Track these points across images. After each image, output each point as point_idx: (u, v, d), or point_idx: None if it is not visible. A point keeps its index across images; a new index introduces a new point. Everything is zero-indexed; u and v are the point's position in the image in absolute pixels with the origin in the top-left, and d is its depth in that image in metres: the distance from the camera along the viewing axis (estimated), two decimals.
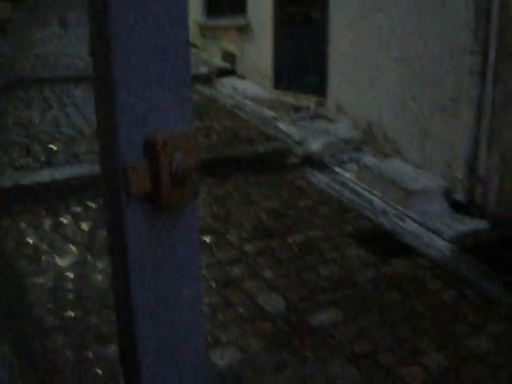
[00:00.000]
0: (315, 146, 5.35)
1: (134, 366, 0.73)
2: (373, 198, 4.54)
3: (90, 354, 2.69)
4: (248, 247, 3.69)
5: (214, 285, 3.23)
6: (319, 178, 4.89)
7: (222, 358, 2.64)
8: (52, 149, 5.02)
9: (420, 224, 4.14)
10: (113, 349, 2.71)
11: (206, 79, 8.09)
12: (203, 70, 8.52)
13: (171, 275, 0.74)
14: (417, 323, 2.99)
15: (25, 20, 13.81)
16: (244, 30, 7.87)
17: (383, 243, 3.86)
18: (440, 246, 3.84)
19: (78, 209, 4.13)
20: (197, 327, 0.79)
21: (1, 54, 9.48)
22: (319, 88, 6.13)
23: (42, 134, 5.40)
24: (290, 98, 6.62)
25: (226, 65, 8.54)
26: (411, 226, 4.11)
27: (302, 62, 6.51)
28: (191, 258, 0.76)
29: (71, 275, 3.33)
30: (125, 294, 0.70)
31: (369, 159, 5.15)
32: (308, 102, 6.30)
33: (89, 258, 3.52)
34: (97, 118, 0.67)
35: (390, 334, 2.89)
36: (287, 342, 2.79)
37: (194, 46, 10.18)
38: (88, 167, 4.58)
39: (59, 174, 4.45)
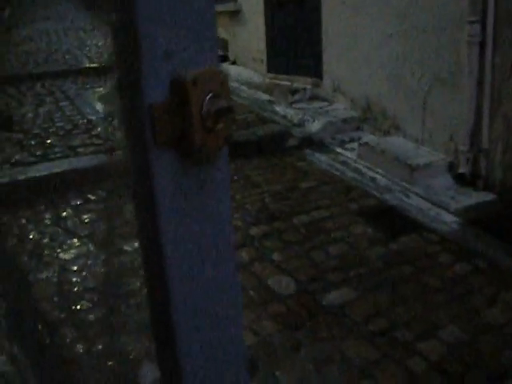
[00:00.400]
0: (314, 127, 5.28)
1: (167, 328, 0.67)
2: (376, 175, 4.48)
3: (101, 347, 2.64)
4: (254, 230, 3.63)
5: None
6: (320, 159, 4.83)
7: None
8: (48, 143, 4.93)
9: (425, 199, 4.09)
10: (123, 340, 2.65)
11: None
12: None
13: (203, 230, 0.67)
14: (431, 297, 2.94)
15: (10, 19, 13.65)
16: (235, 16, 7.76)
17: (390, 220, 3.80)
18: (447, 220, 3.78)
19: (78, 201, 4.06)
20: (233, 282, 0.73)
21: None
22: (314, 69, 6.05)
23: (37, 129, 5.32)
24: (285, 81, 6.54)
25: (219, 52, 8.43)
26: (417, 201, 4.06)
27: (295, 44, 6.42)
28: (224, 211, 0.69)
29: (75, 268, 3.27)
30: (154, 253, 0.63)
31: (369, 137, 5.09)
32: (304, 83, 6.21)
33: (92, 249, 3.46)
34: (116, 59, 0.60)
35: (405, 310, 2.84)
36: (301, 324, 2.74)
37: None
38: (86, 159, 4.51)
39: (57, 167, 4.38)
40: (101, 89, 6.76)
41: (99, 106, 5.99)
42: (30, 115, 5.78)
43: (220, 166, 0.66)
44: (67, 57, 8.69)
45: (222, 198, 0.68)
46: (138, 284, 3.01)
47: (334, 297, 2.94)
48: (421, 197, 4.13)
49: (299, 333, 2.68)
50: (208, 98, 0.61)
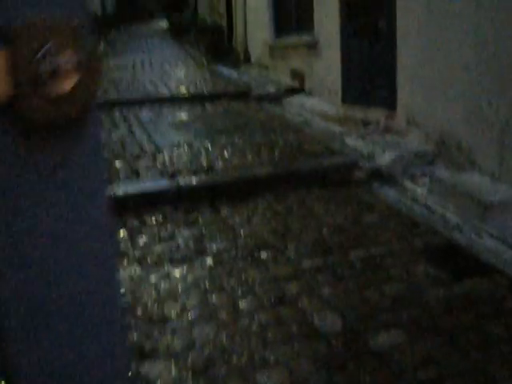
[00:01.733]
0: (384, 159, 5.05)
1: None
2: (446, 212, 4.19)
3: None
4: (307, 263, 3.44)
5: (265, 302, 3.00)
6: (387, 193, 4.59)
7: (269, 380, 2.40)
8: (115, 167, 4.99)
9: (499, 240, 3.75)
10: None
11: (274, 98, 8.01)
12: (271, 89, 8.46)
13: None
14: (493, 348, 2.62)
15: (105, 50, 14.34)
16: (312, 47, 7.71)
17: (457, 260, 3.51)
18: None
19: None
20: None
21: None
22: (389, 100, 5.84)
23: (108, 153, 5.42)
24: (358, 113, 6.35)
25: (295, 83, 8.40)
26: (489, 242, 3.73)
27: (370, 75, 6.24)
28: (90, 206, 0.55)
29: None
30: None
31: (442, 172, 4.80)
32: (377, 115, 6.01)
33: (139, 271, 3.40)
34: None
35: (462, 360, 2.54)
36: (342, 365, 2.52)
37: (265, 67, 10.15)
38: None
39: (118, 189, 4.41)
40: (173, 117, 6.85)
41: (170, 134, 6.06)
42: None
43: (77, 146, 0.52)
44: (147, 86, 8.94)
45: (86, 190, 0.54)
46: None
47: (383, 339, 2.70)
48: (494, 237, 3.80)
49: (339, 375, 2.46)
50: (47, 49, 0.47)
